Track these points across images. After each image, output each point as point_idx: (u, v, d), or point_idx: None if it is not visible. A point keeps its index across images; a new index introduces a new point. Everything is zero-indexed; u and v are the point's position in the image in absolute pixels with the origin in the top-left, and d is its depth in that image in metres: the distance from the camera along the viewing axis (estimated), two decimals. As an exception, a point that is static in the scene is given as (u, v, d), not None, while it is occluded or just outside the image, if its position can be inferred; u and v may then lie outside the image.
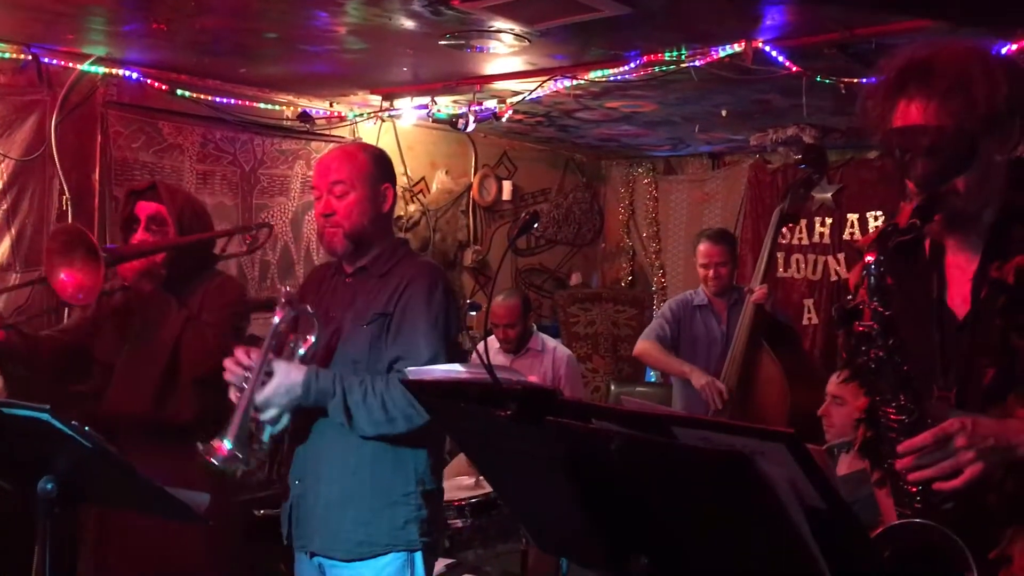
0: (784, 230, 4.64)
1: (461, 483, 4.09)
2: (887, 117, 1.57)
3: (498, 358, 4.50)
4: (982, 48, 1.56)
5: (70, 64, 3.90)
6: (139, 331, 2.71)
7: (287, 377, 2.20)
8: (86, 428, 1.68)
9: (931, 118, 1.51)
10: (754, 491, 1.11)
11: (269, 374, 2.20)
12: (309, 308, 2.27)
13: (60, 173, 3.90)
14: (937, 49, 1.55)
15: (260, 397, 2.18)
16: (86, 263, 2.53)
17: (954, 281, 1.63)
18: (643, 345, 4.17)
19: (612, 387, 5.75)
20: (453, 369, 1.62)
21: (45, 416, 1.65)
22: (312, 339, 2.27)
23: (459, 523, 3.95)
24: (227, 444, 2.12)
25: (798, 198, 3.78)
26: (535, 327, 4.67)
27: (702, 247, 4.12)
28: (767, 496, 1.10)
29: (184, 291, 2.72)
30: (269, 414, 2.20)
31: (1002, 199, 1.57)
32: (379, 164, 2.45)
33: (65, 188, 3.93)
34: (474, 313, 2.04)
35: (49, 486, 1.79)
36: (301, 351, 2.27)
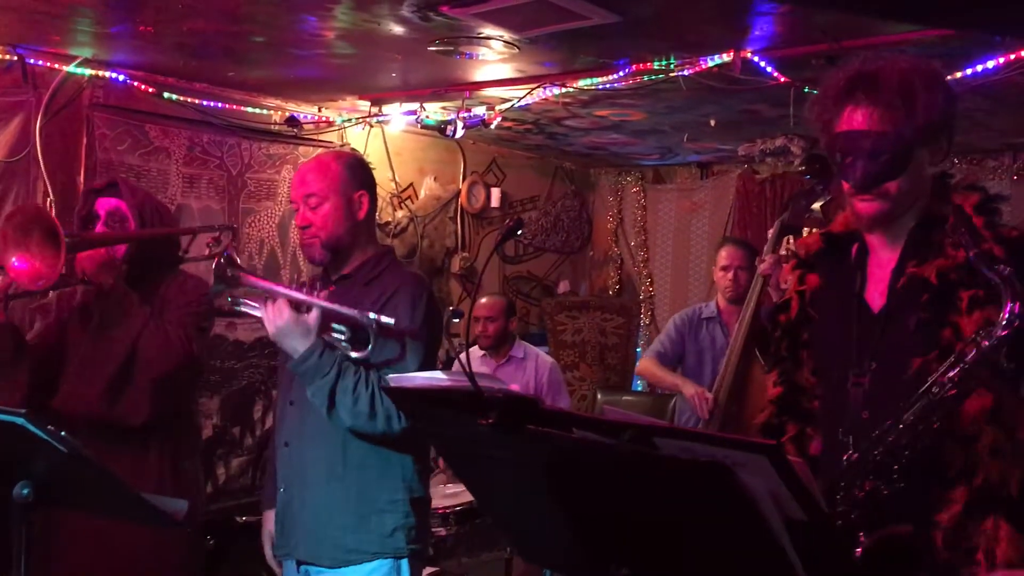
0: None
1: (444, 491, 4.07)
2: (833, 121, 1.70)
3: (481, 367, 4.49)
4: (925, 65, 1.69)
5: (56, 65, 3.87)
6: (97, 326, 2.60)
7: (305, 328, 2.21)
8: (62, 433, 1.66)
9: (875, 124, 1.64)
10: (735, 502, 1.10)
11: (301, 309, 2.23)
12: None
13: (45, 175, 3.86)
14: (884, 63, 1.68)
15: (278, 302, 2.22)
16: (44, 248, 2.42)
17: (873, 278, 1.77)
18: (642, 364, 4.21)
19: (599, 395, 5.74)
20: (435, 377, 1.61)
21: (20, 420, 1.63)
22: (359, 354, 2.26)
23: (443, 531, 3.94)
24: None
25: (800, 209, 3.77)
26: (517, 336, 4.66)
27: (724, 251, 4.11)
28: (748, 507, 1.09)
29: (146, 288, 2.65)
30: (268, 317, 2.22)
31: (925, 207, 1.71)
32: (353, 172, 2.44)
33: (50, 190, 3.88)
34: (457, 320, 2.04)
35: (25, 491, 1.76)
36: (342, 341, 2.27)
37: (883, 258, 1.75)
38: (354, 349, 2.25)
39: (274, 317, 2.21)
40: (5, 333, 2.53)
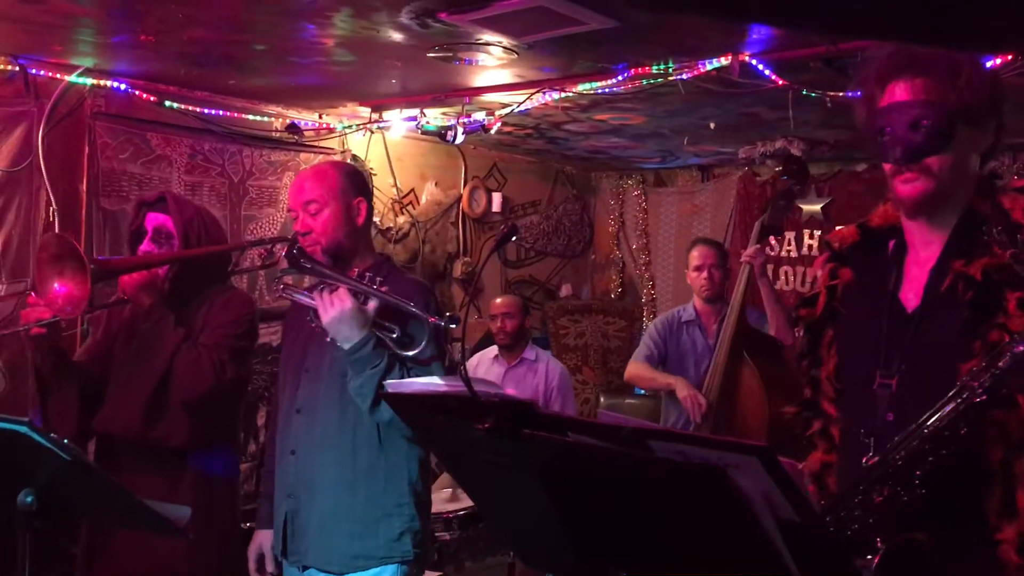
0: (772, 241, 4.65)
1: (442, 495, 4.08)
2: (875, 98, 1.66)
3: (494, 368, 4.52)
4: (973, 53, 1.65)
5: (58, 75, 3.89)
6: (136, 347, 2.63)
7: (364, 318, 2.23)
8: (64, 440, 1.68)
9: (918, 94, 1.60)
10: (728, 504, 1.11)
11: (360, 298, 2.24)
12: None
13: (47, 184, 3.88)
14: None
15: (340, 290, 2.23)
16: (75, 274, 2.47)
17: (909, 276, 1.71)
18: (632, 368, 4.19)
19: (602, 399, 5.75)
20: (432, 382, 1.62)
21: (23, 429, 1.65)
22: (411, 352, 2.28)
23: (447, 535, 3.95)
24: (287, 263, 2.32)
25: (779, 210, 3.80)
26: (531, 337, 4.69)
27: (696, 251, 4.14)
28: (741, 509, 1.10)
29: (190, 306, 2.65)
30: (326, 303, 2.22)
31: (968, 204, 1.65)
32: (351, 179, 2.47)
33: (52, 199, 3.91)
34: (454, 326, 2.07)
35: (29, 499, 1.78)
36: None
37: (922, 256, 1.69)
38: (401, 348, 2.26)
39: (337, 303, 2.21)
40: (44, 353, 2.55)
